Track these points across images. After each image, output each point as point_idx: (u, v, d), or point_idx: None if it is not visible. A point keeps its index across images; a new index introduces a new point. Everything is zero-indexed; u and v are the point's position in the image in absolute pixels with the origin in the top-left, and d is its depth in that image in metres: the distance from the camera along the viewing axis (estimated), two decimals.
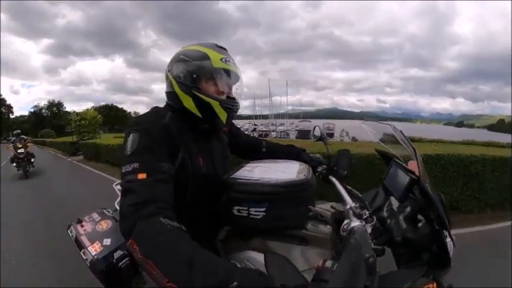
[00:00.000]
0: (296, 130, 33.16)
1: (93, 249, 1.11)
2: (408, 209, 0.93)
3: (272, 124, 43.41)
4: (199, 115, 0.98)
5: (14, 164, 8.84)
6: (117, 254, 1.10)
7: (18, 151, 8.72)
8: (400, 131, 1.05)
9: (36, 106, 65.90)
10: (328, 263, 0.63)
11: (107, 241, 1.14)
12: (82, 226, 1.24)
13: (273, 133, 33.29)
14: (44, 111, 64.60)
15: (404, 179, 0.92)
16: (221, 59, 0.98)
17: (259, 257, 0.93)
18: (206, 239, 0.99)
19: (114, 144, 9.96)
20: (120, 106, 74.93)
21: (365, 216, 0.90)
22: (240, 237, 1.03)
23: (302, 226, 0.99)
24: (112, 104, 74.77)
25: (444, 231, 0.81)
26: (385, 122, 1.22)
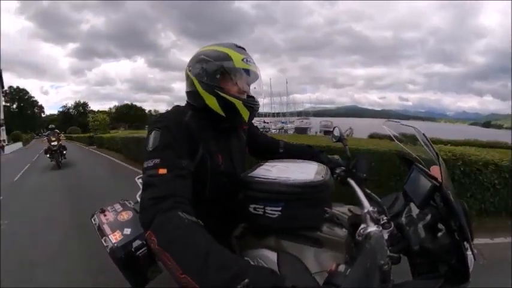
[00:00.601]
0: (294, 127, 34.16)
1: (114, 238, 1.16)
2: (428, 217, 0.89)
3: (281, 122, 44.08)
4: (223, 114, 0.99)
5: (48, 155, 9.87)
6: (136, 243, 1.14)
7: (52, 144, 9.69)
8: (423, 133, 1.01)
9: (64, 106, 75.45)
10: (341, 268, 0.62)
11: (127, 231, 1.19)
12: (105, 215, 1.29)
13: (272, 130, 33.85)
14: (71, 110, 72.65)
15: (425, 184, 0.89)
16: (242, 59, 1.00)
17: (273, 256, 0.94)
18: (222, 234, 1.01)
19: (111, 137, 15.62)
20: (139, 105, 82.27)
21: (382, 222, 0.88)
22: (254, 235, 1.04)
23: (317, 228, 0.98)
24: (132, 104, 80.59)
25: (465, 243, 0.77)
26: (408, 124, 1.18)
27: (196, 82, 1.00)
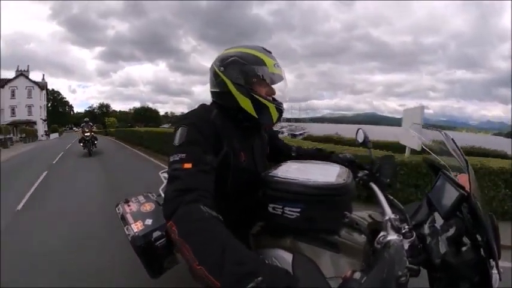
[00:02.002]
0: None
1: (136, 227, 1.21)
2: (453, 229, 0.84)
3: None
4: (255, 115, 1.03)
5: (81, 144, 11.68)
6: (156, 234, 1.18)
7: (85, 134, 11.35)
8: (452, 138, 0.96)
9: (90, 107, 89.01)
10: (357, 275, 0.61)
11: (149, 221, 1.24)
12: (128, 206, 1.35)
13: None
14: (96, 110, 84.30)
15: (452, 194, 0.84)
16: (274, 64, 1.05)
17: (288, 257, 0.93)
18: (240, 231, 1.03)
19: (114, 130, 28.78)
20: (154, 108, 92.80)
21: (404, 231, 0.85)
22: (271, 234, 1.04)
23: (335, 232, 0.97)
24: (147, 107, 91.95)
25: (491, 260, 0.72)
26: (436, 128, 1.13)
27: (230, 84, 1.02)
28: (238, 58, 1.03)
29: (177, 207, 0.71)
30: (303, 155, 1.46)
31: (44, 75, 49.07)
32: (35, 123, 38.81)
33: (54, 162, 10.04)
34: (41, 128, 40.33)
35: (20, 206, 4.53)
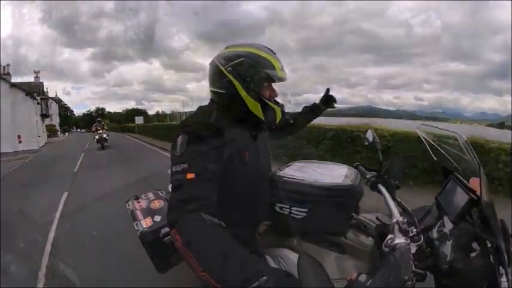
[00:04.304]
0: None
1: (145, 223, 1.23)
2: (462, 234, 0.82)
3: None
4: (263, 119, 1.03)
5: (95, 140, 14.12)
6: (164, 230, 1.20)
7: (98, 132, 13.91)
8: (466, 140, 0.94)
9: (88, 110, 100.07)
10: (362, 277, 0.61)
11: (158, 218, 1.25)
12: (138, 202, 1.38)
13: None
14: (93, 113, 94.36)
15: (462, 198, 0.83)
16: (281, 68, 1.03)
17: (293, 257, 0.94)
18: (246, 230, 1.03)
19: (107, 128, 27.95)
20: (144, 109, 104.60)
21: (411, 234, 0.83)
22: (278, 233, 1.04)
23: (342, 233, 0.97)
24: (137, 108, 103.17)
25: (501, 268, 0.70)
26: (448, 129, 1.10)
27: (239, 86, 0.98)
28: (248, 60, 0.99)
29: (180, 216, 0.72)
30: (301, 119, 1.55)
31: (56, 92, 67.42)
32: (55, 125, 52.92)
33: (87, 146, 16.14)
34: (58, 129, 56.42)
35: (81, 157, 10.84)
